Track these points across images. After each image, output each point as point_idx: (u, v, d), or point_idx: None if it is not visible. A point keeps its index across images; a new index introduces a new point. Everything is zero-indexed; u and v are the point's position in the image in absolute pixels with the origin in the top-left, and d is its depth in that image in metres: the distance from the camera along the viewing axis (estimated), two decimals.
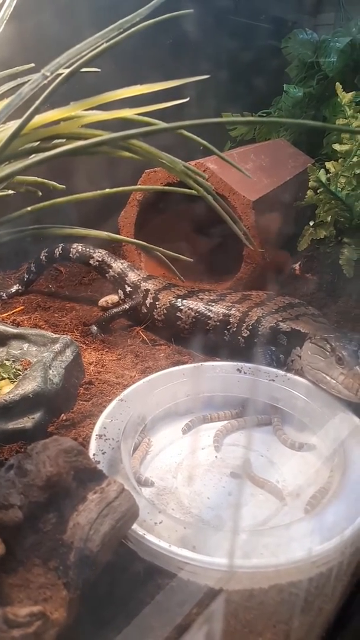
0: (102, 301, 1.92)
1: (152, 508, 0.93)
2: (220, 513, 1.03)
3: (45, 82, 0.78)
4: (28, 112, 0.74)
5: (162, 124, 0.82)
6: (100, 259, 1.89)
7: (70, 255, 1.93)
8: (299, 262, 2.12)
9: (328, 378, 1.25)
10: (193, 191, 0.96)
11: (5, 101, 0.77)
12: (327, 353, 1.27)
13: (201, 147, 0.95)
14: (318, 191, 1.99)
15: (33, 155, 0.79)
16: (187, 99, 0.94)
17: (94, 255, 1.90)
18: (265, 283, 1.87)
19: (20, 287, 1.98)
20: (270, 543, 0.89)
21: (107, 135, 0.78)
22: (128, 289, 1.82)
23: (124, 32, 0.85)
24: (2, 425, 1.12)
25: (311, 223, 2.06)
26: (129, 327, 1.78)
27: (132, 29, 0.86)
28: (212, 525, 1.00)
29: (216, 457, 1.18)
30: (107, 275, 1.89)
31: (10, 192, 1.04)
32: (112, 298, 1.91)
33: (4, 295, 1.93)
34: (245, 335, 1.57)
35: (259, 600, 0.82)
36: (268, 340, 1.53)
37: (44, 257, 1.96)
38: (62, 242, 1.95)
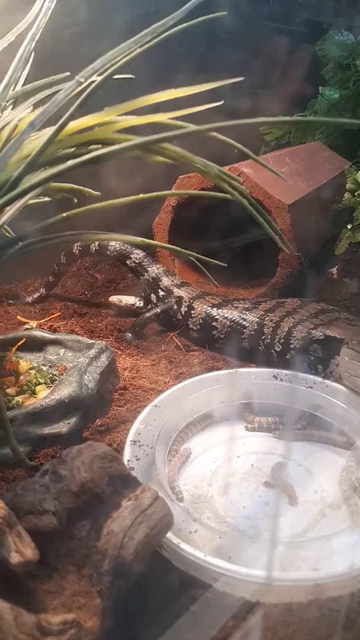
0: (114, 298, 1.90)
1: (187, 516, 0.92)
2: (256, 523, 1.00)
3: (80, 88, 0.79)
4: (63, 119, 0.75)
5: (194, 127, 0.81)
6: (138, 261, 1.88)
7: (108, 252, 1.91)
8: (337, 266, 2.07)
9: None
10: (228, 195, 0.95)
11: (41, 108, 0.78)
12: None
13: (235, 151, 0.94)
14: (356, 193, 1.95)
15: (69, 162, 0.80)
16: (222, 102, 0.93)
17: (132, 255, 1.89)
18: (302, 288, 1.83)
19: (51, 278, 1.99)
20: (310, 556, 0.86)
21: (138, 139, 0.78)
22: (161, 293, 1.81)
23: (158, 36, 0.85)
24: (37, 430, 1.13)
25: (349, 226, 2.02)
26: (163, 333, 1.78)
27: (166, 34, 0.86)
28: (248, 536, 0.98)
29: (252, 465, 1.16)
30: (141, 277, 1.89)
31: (46, 199, 1.05)
32: (128, 299, 1.89)
33: (43, 291, 1.97)
34: (278, 347, 1.54)
35: (298, 616, 0.79)
36: (304, 350, 1.49)
37: (77, 250, 1.95)
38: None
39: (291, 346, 1.51)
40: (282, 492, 1.06)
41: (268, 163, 1.05)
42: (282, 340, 1.52)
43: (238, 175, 1.72)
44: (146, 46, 0.83)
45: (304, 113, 2.73)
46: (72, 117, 0.77)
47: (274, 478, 1.10)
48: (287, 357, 1.51)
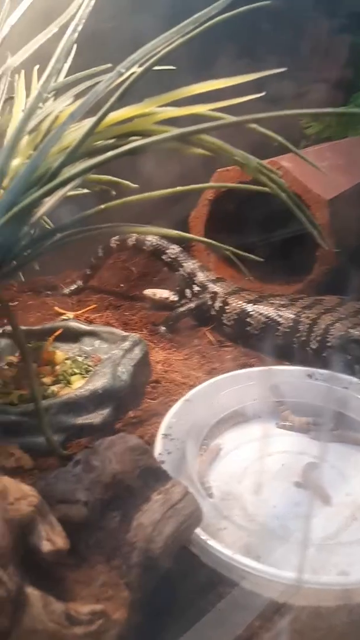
0: (148, 291, 1.90)
1: (217, 513, 0.91)
2: (286, 523, 0.99)
3: (121, 79, 0.78)
4: (102, 110, 0.75)
5: (232, 118, 0.80)
6: (174, 256, 1.88)
7: (144, 247, 1.93)
8: None
9: None
10: (266, 189, 0.93)
11: (82, 100, 0.78)
12: None
13: (275, 144, 0.92)
14: None
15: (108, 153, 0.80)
16: (264, 93, 0.91)
17: (168, 250, 1.89)
18: (340, 285, 1.79)
19: (88, 271, 2.00)
20: (340, 559, 0.84)
21: (176, 131, 0.77)
22: (196, 288, 1.80)
23: (200, 26, 0.83)
24: (71, 419, 1.14)
25: None
26: (196, 328, 1.77)
27: (207, 23, 0.85)
28: (277, 536, 0.96)
29: (283, 465, 1.14)
30: (176, 272, 1.89)
31: (85, 190, 1.06)
32: (162, 293, 1.88)
33: (80, 283, 1.98)
34: (315, 345, 1.51)
35: (327, 620, 0.77)
36: (341, 349, 1.46)
37: (114, 244, 1.96)
38: None
39: (328, 345, 1.47)
40: (313, 493, 1.04)
41: (308, 157, 1.03)
42: (319, 338, 1.49)
43: (277, 169, 1.69)
44: (188, 36, 0.82)
45: (346, 107, 2.66)
46: (111, 109, 0.77)
47: (305, 478, 1.08)
48: (323, 355, 1.48)
